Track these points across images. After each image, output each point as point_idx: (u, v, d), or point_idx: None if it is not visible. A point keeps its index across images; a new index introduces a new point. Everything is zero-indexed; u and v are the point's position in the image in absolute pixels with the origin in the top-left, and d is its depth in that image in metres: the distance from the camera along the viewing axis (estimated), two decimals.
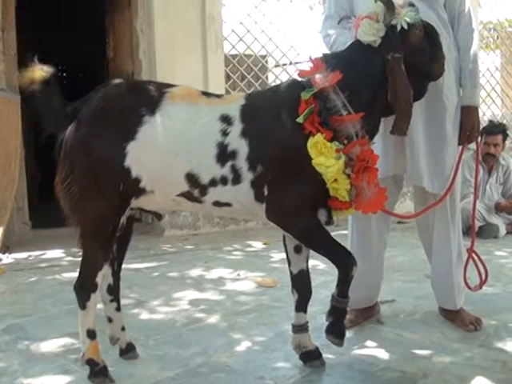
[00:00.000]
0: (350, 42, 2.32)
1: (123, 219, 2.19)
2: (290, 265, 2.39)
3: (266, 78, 6.50)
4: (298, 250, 2.35)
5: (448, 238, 2.74)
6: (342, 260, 2.15)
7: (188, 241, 5.29)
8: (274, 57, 6.47)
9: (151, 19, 5.52)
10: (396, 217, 2.66)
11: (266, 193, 2.10)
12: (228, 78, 6.05)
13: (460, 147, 2.68)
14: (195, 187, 2.12)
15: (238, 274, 4.03)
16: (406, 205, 5.34)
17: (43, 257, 4.70)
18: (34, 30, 7.72)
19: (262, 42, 6.24)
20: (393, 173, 2.65)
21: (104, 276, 2.27)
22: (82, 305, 2.23)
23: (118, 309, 2.44)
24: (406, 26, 2.18)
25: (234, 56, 6.15)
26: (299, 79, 2.19)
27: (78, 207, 2.14)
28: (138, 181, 2.12)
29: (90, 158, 2.10)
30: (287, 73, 6.46)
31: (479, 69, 2.67)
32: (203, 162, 2.09)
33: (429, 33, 2.26)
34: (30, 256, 4.77)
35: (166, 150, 2.09)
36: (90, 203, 2.12)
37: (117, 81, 2.25)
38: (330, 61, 2.16)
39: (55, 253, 4.73)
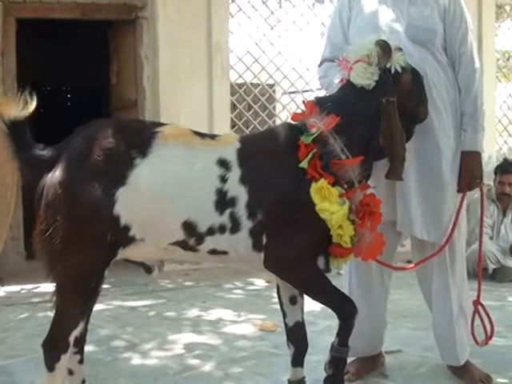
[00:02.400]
0: (338, 84, 2.36)
1: (106, 272, 2.09)
2: (284, 317, 2.36)
3: (274, 107, 6.51)
4: (293, 301, 2.33)
5: (447, 290, 2.67)
6: (344, 308, 2.14)
7: (188, 276, 5.27)
8: (281, 86, 6.48)
9: (156, 46, 5.54)
10: (391, 269, 2.61)
11: (264, 241, 2.09)
12: (234, 107, 6.06)
13: (461, 194, 2.62)
14: (192, 236, 2.07)
15: (239, 316, 3.99)
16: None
17: (36, 290, 4.68)
18: (36, 55, 7.82)
19: (269, 71, 6.25)
20: (387, 219, 2.60)
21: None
22: (50, 366, 2.07)
23: (81, 361, 2.30)
24: (400, 70, 2.24)
25: (240, 85, 6.17)
26: (293, 123, 2.21)
27: (58, 260, 2.02)
28: (127, 229, 2.04)
29: (74, 206, 2.00)
30: (295, 103, 6.46)
31: (482, 111, 2.62)
32: (202, 209, 2.05)
33: (415, 76, 2.31)
34: (22, 289, 4.75)
35: (160, 196, 2.03)
36: (73, 256, 2.01)
37: (101, 121, 2.17)
38: (324, 104, 2.20)
39: (49, 286, 4.67)
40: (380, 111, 2.18)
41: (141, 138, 2.08)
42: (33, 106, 2.03)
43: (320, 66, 2.72)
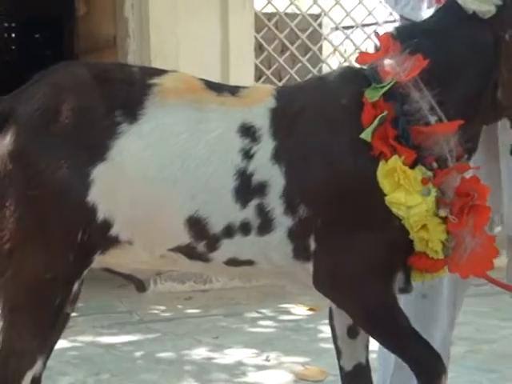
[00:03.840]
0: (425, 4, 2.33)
1: (77, 286, 2.09)
2: (340, 357, 2.36)
3: (320, 48, 6.49)
4: (353, 333, 2.32)
5: None
6: (425, 363, 2.11)
7: (192, 301, 5.28)
8: (331, 17, 6.46)
9: None
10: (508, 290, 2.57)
11: (312, 247, 2.10)
12: (260, 48, 6.05)
13: None
14: (201, 238, 2.09)
15: (267, 359, 4.01)
16: None
17: None
18: None
19: None
20: None
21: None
22: None
23: None
24: None
25: (269, 16, 6.16)
26: (358, 67, 2.20)
27: (6, 266, 2.03)
28: (107, 225, 2.06)
29: (31, 187, 2.01)
30: (352, 42, 6.44)
31: None
32: (215, 199, 2.07)
33: None
34: None
35: (155, 179, 2.06)
36: (28, 261, 2.02)
37: (71, 64, 2.20)
38: (408, 37, 2.13)
39: None
40: (500, 51, 2.10)
41: (129, 93, 2.09)
42: None
43: None
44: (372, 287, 2.11)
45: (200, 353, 4.14)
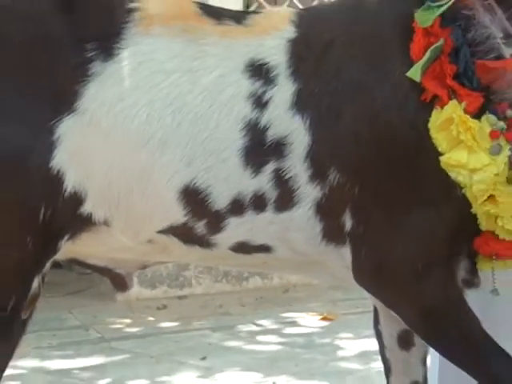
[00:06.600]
0: None
1: (37, 282, 2.12)
2: (388, 373, 2.42)
3: None
4: (406, 342, 2.38)
5: None
6: (506, 381, 2.10)
7: (167, 310, 5.28)
8: None
9: None
10: None
11: (348, 226, 2.14)
12: None
13: None
14: (200, 216, 2.14)
15: None
16: None
17: None
18: None
19: None
20: None
21: None
22: None
23: None
24: None
25: None
26: None
27: None
28: (77, 200, 2.09)
29: None
30: None
31: None
32: (217, 163, 2.11)
33: None
34: None
35: (139, 138, 2.09)
36: None
37: None
38: None
39: None
40: None
41: (103, 21, 2.12)
42: None
43: None
44: (431, 278, 2.12)
45: (184, 379, 4.15)
